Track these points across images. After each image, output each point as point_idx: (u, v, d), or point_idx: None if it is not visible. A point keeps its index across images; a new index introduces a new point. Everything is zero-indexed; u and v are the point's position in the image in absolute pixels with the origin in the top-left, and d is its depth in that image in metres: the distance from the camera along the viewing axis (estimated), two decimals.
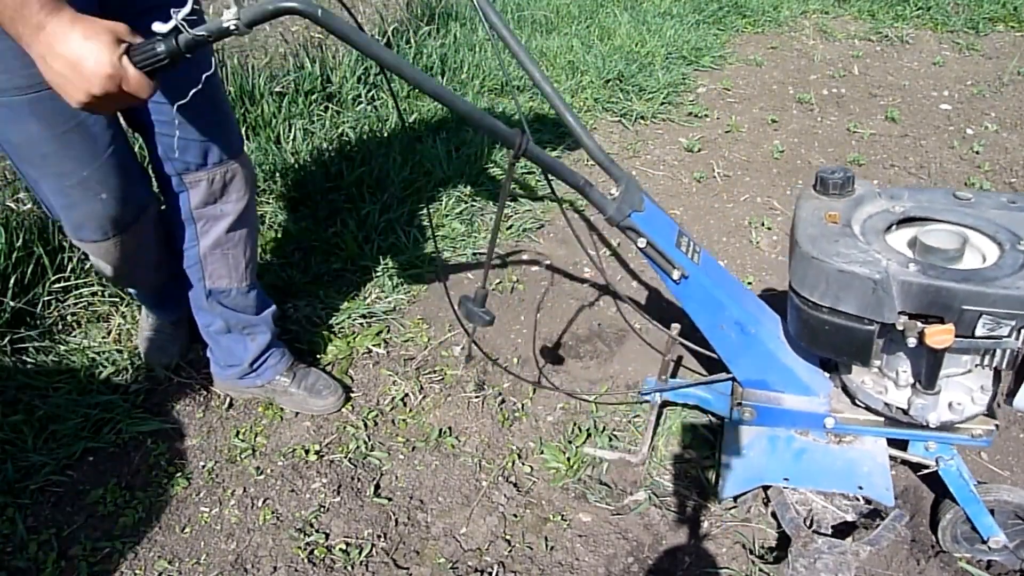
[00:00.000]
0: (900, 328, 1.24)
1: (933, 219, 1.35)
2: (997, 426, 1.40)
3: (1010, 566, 1.52)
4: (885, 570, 1.53)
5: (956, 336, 1.22)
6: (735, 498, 1.62)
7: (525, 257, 2.48)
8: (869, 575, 1.53)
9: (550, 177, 1.42)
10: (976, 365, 1.34)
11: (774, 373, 1.50)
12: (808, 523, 1.51)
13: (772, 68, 3.87)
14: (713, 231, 2.60)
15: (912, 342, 1.22)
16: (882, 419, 1.45)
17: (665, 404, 1.81)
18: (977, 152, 3.03)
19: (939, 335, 1.20)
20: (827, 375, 1.52)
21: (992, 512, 1.46)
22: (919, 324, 1.23)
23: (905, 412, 1.39)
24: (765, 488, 1.60)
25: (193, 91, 1.24)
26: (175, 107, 1.39)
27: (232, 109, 1.55)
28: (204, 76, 1.29)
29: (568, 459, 1.76)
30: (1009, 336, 1.22)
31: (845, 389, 1.49)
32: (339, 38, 1.04)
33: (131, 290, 2.01)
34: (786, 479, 1.47)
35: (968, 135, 3.19)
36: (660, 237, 1.39)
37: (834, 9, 4.59)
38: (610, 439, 1.82)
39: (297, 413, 1.92)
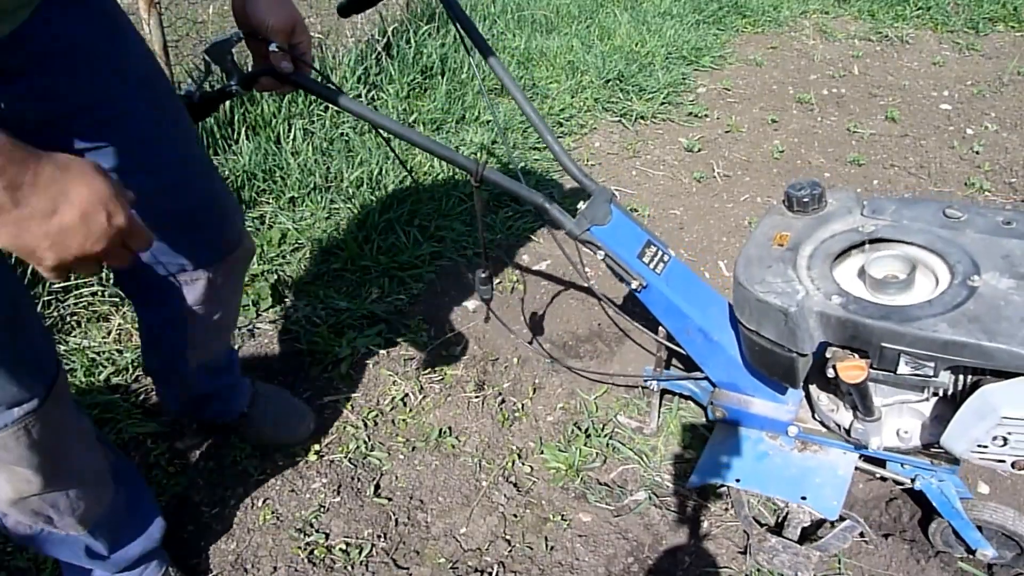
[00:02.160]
0: (828, 357, 1.24)
1: (900, 241, 1.31)
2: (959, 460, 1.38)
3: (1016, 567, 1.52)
4: (885, 570, 1.53)
5: (880, 371, 1.21)
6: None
7: (525, 257, 2.48)
8: (869, 575, 1.53)
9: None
10: (933, 394, 1.30)
11: (742, 378, 1.53)
12: (782, 521, 1.55)
13: (772, 68, 3.87)
14: (713, 231, 2.60)
15: (831, 373, 1.22)
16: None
17: (665, 391, 1.87)
18: (977, 152, 3.03)
19: (850, 369, 1.18)
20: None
21: (980, 528, 1.45)
22: (843, 355, 1.22)
23: (848, 433, 1.40)
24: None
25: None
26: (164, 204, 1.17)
27: (225, 185, 1.31)
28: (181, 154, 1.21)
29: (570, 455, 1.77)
30: (936, 376, 1.18)
31: (809, 400, 1.50)
32: (313, 94, 1.28)
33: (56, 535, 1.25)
34: (738, 480, 1.49)
35: (968, 135, 3.19)
36: (621, 249, 1.43)
37: (834, 9, 4.59)
38: (608, 439, 1.82)
39: None
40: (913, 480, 1.45)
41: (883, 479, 1.61)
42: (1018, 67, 3.74)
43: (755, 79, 3.74)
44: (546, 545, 1.61)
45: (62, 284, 2.15)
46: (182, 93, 1.22)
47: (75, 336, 2.10)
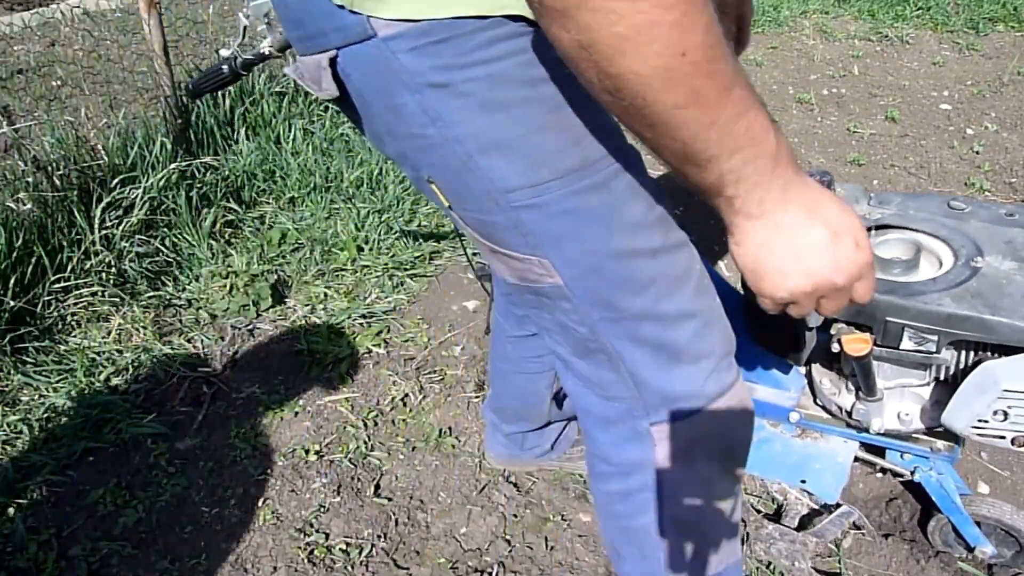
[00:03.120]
0: (832, 333, 1.25)
1: (905, 227, 1.34)
2: (959, 443, 1.39)
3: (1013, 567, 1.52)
4: (885, 570, 1.53)
5: (884, 347, 1.23)
6: None
7: None
8: (870, 575, 1.53)
9: None
10: (935, 378, 1.32)
11: (745, 364, 1.53)
12: (779, 511, 1.58)
13: (772, 68, 3.87)
14: (713, 231, 2.60)
15: (835, 347, 1.24)
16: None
17: None
18: (977, 152, 3.03)
19: (854, 343, 1.20)
20: (800, 371, 1.53)
21: (979, 524, 1.46)
22: (848, 330, 1.23)
23: (849, 415, 1.41)
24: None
25: None
26: None
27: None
28: None
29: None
30: (938, 352, 1.20)
31: (811, 386, 1.52)
32: None
33: None
34: None
35: (968, 135, 3.19)
36: None
37: (834, 9, 4.59)
38: None
39: (297, 412, 1.92)
40: (912, 472, 1.46)
41: (883, 471, 1.62)
42: (1018, 67, 3.74)
43: (755, 79, 3.74)
44: (546, 545, 1.61)
45: (62, 285, 2.15)
46: (223, 57, 1.28)
47: (75, 336, 2.11)
